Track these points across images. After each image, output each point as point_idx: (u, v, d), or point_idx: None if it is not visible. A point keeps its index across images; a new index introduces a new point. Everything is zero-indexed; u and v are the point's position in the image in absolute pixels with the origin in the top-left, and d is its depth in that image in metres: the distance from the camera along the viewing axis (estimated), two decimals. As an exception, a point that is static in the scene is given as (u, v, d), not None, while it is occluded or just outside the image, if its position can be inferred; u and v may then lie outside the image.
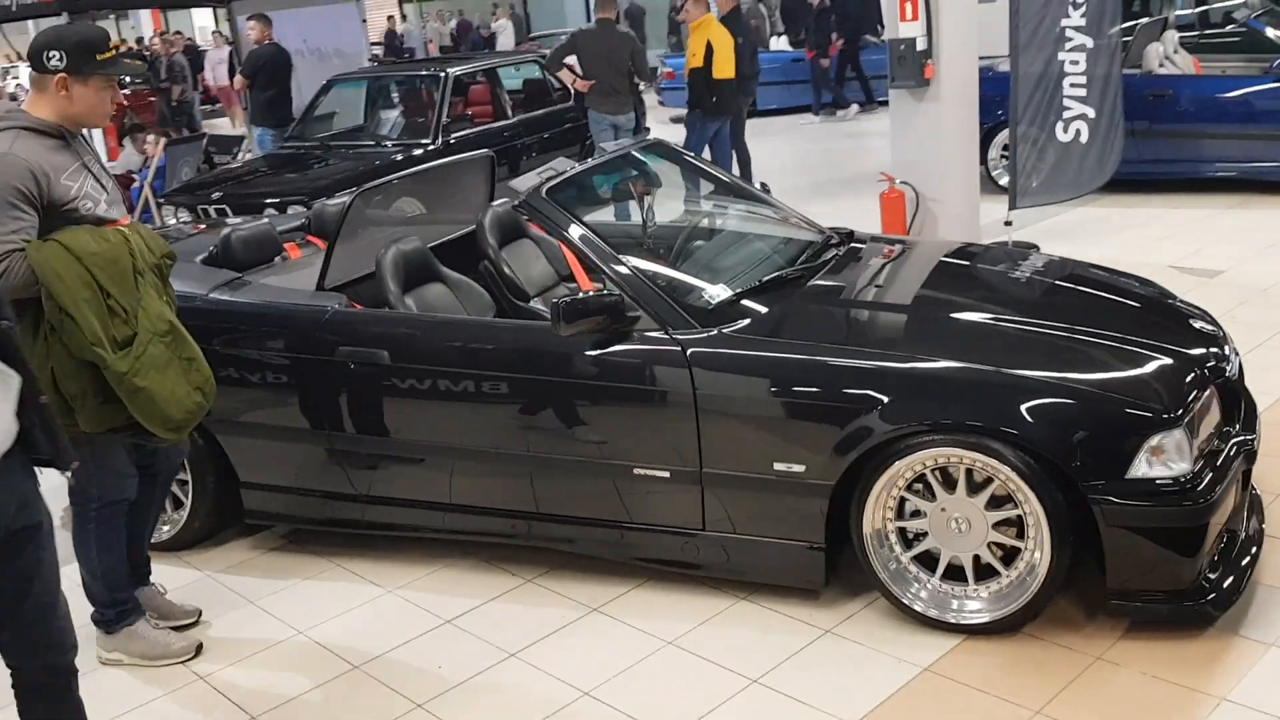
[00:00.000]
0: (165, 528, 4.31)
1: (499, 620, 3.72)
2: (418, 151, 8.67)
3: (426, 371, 3.82)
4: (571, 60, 9.30)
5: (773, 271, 3.93)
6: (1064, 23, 7.25)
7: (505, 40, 24.36)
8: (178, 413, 3.27)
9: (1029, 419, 3.20)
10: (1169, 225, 7.79)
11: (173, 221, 8.61)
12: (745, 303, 3.69)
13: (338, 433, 3.99)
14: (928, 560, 3.44)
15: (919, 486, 3.38)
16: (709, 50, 9.07)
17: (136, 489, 3.52)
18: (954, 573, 3.42)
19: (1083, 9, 7.20)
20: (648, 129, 9.65)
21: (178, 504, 4.34)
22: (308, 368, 3.97)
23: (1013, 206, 7.58)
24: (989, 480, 3.30)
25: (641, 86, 9.47)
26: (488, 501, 3.91)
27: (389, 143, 8.90)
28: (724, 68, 9.14)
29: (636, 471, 3.61)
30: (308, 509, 4.18)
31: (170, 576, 4.12)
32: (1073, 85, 7.33)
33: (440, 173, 4.69)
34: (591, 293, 3.56)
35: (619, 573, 3.86)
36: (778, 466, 3.43)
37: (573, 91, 10.16)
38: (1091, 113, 7.35)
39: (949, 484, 3.35)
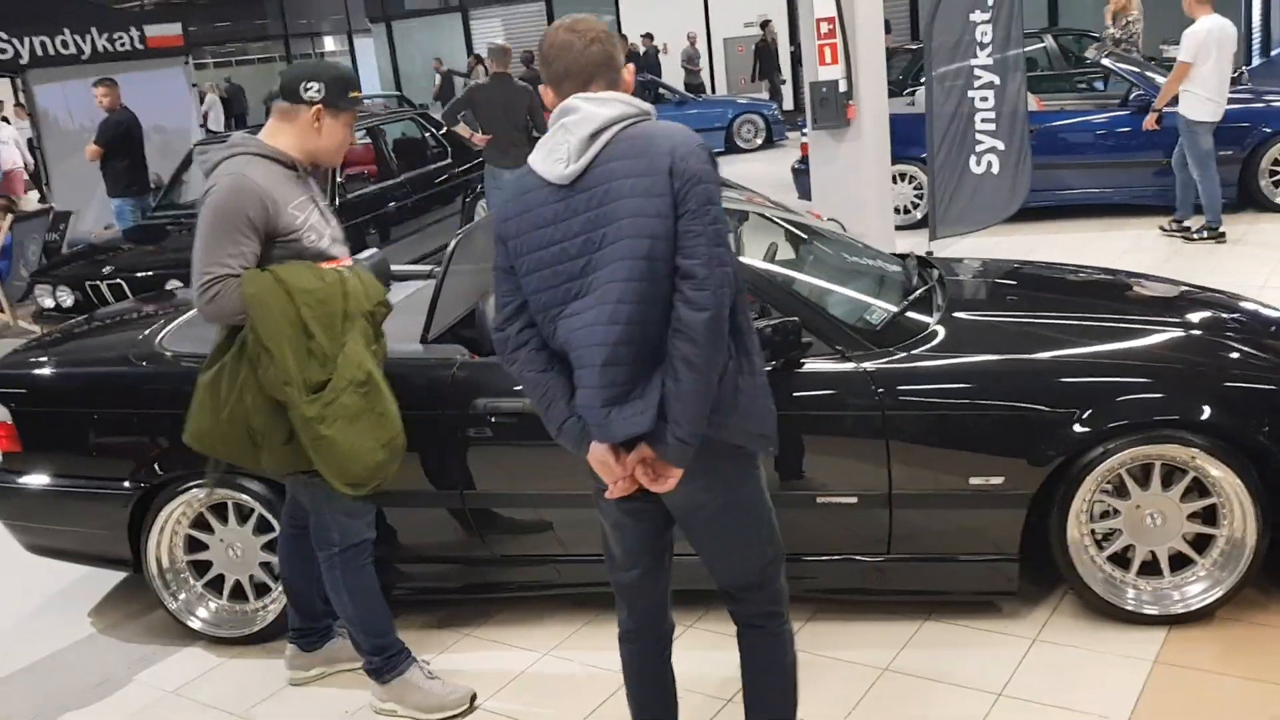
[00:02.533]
0: (262, 613, 3.91)
1: (686, 669, 3.48)
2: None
3: (579, 417, 3.62)
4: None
5: (907, 292, 3.95)
6: (973, 62, 7.70)
7: (215, 119, 22.06)
8: (358, 469, 3.12)
9: (1226, 408, 3.35)
10: (1064, 248, 8.33)
11: (50, 303, 7.84)
12: (908, 322, 3.69)
13: (471, 490, 3.72)
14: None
15: (1108, 486, 3.46)
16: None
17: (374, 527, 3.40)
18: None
19: (989, 49, 7.66)
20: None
21: (263, 590, 3.94)
22: (436, 424, 3.69)
23: (933, 237, 7.94)
24: (1174, 471, 3.42)
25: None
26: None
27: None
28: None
29: (820, 500, 3.54)
30: (435, 577, 3.87)
31: (276, 671, 3.73)
32: (983, 121, 7.77)
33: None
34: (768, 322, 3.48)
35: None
36: (974, 481, 3.43)
37: (449, 148, 10.01)
38: (1001, 145, 7.80)
39: (1140, 480, 3.45)
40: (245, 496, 3.82)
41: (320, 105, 3.11)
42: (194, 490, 3.83)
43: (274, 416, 3.06)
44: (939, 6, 7.72)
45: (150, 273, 7.46)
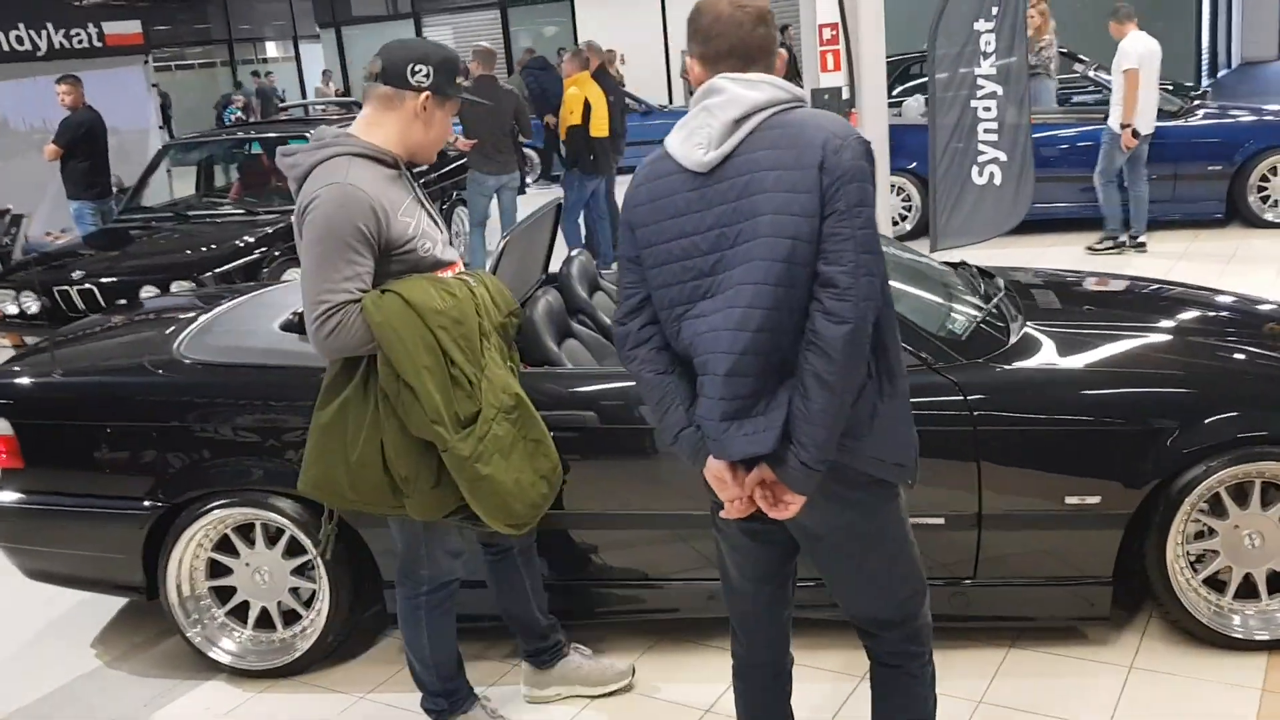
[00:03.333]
0: (298, 641, 3.61)
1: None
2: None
3: (645, 431, 3.39)
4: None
5: (984, 303, 3.78)
6: (976, 71, 7.60)
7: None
8: (521, 506, 2.80)
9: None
10: (1061, 259, 8.25)
11: (13, 310, 7.42)
12: (992, 332, 3.52)
13: (527, 512, 3.46)
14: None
15: (1204, 505, 3.31)
16: (586, 108, 8.90)
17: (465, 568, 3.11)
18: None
19: (992, 59, 7.57)
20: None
21: (291, 618, 3.65)
22: (490, 440, 3.43)
23: (934, 249, 7.81)
24: (1269, 488, 3.28)
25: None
26: (709, 571, 3.50)
27: (262, 210, 8.07)
28: (600, 125, 8.99)
29: (904, 521, 3.34)
30: (482, 602, 3.59)
31: (315, 707, 3.45)
32: (986, 131, 7.67)
33: (541, 220, 4.25)
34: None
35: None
36: (1070, 500, 3.25)
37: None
38: (1004, 156, 7.71)
39: (1238, 499, 3.30)
40: (275, 516, 3.53)
41: (429, 92, 2.72)
42: (220, 511, 3.54)
43: (422, 459, 2.71)
44: (942, 15, 7.62)
45: (122, 279, 7.07)
